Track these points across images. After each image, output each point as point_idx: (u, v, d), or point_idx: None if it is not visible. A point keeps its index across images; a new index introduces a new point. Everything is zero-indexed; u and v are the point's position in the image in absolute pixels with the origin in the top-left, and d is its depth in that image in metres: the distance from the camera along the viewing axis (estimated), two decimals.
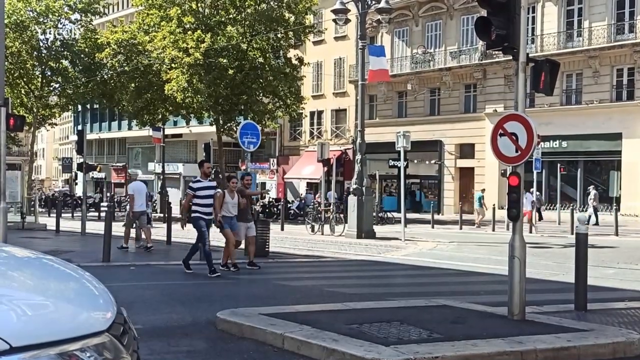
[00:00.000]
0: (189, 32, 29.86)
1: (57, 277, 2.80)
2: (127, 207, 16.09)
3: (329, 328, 5.85)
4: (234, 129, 29.97)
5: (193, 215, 10.54)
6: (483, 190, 26.48)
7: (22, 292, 2.46)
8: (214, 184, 10.99)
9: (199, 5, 31.69)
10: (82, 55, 35.17)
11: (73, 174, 42.85)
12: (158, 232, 20.50)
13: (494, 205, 25.03)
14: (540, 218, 26.37)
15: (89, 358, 2.13)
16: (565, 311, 7.38)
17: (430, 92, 35.71)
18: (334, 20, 22.10)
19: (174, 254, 14.98)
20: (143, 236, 15.33)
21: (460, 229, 23.67)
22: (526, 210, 22.03)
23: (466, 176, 33.90)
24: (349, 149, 36.87)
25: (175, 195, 42.02)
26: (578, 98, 30.12)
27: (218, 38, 30.15)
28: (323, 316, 6.46)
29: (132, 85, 34.62)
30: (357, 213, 19.28)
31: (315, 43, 38.43)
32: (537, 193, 26.14)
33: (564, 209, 26.60)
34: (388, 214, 28.31)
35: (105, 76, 35.66)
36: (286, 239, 19.27)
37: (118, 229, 18.28)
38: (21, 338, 2.02)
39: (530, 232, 21.54)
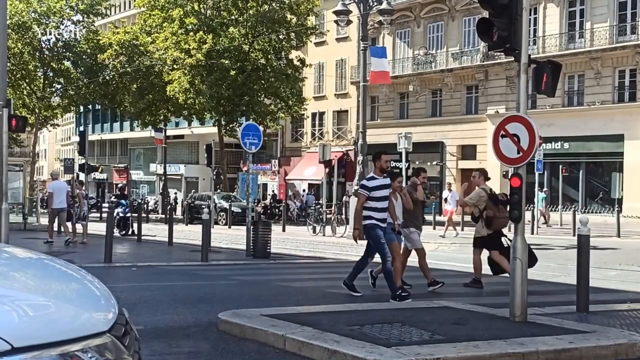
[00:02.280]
0: (191, 34, 29.92)
1: (59, 278, 2.80)
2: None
3: (331, 329, 5.84)
4: (236, 130, 30.03)
5: (365, 222, 8.42)
6: (545, 191, 26.47)
7: (24, 292, 2.46)
8: (388, 181, 8.70)
9: (201, 6, 31.75)
10: (84, 57, 35.25)
11: (75, 175, 42.84)
12: (159, 232, 20.55)
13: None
14: (545, 222, 26.32)
15: (90, 359, 2.13)
16: (567, 313, 7.37)
17: (431, 94, 35.69)
18: (336, 22, 22.13)
19: (175, 255, 15.02)
20: (74, 230, 16.90)
21: (462, 230, 23.63)
22: (448, 210, 21.33)
23: (468, 177, 33.68)
24: (350, 150, 36.85)
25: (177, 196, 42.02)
26: (580, 99, 30.09)
27: (220, 39, 30.20)
28: (324, 317, 6.46)
29: (134, 86, 34.68)
30: None
31: (317, 44, 38.46)
32: (545, 191, 26.37)
33: (565, 211, 26.56)
34: None
35: (107, 77, 35.73)
36: (288, 240, 19.27)
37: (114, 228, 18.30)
38: (23, 339, 2.02)
39: (444, 234, 20.30)
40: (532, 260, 9.22)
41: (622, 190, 28.62)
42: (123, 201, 21.00)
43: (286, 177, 41.41)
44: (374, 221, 8.39)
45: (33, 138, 38.76)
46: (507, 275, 8.76)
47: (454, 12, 34.06)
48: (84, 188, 18.44)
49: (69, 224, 16.59)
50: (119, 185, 25.05)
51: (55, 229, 16.68)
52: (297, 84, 32.73)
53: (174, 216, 23.26)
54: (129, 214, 20.82)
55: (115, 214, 19.15)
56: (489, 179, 10.27)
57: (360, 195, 8.67)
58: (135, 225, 19.65)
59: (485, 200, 9.63)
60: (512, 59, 7.02)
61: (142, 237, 18.31)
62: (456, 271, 12.29)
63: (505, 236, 9.80)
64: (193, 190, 37.52)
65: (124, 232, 20.03)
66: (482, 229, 9.75)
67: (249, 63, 30.65)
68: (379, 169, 8.61)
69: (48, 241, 15.89)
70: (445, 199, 22.14)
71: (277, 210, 31.25)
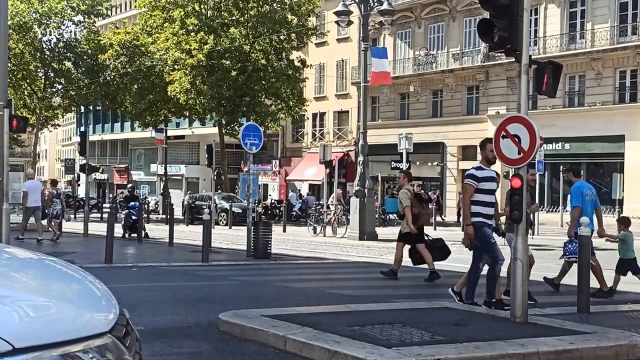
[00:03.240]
0: (192, 34, 29.93)
1: (60, 279, 2.80)
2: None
3: (331, 330, 5.84)
4: (237, 130, 30.02)
5: (472, 220, 7.52)
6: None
7: (25, 293, 2.46)
8: (494, 174, 7.79)
9: (202, 7, 31.76)
10: (85, 57, 35.28)
11: (75, 175, 42.84)
12: (160, 233, 20.55)
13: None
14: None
15: (91, 359, 2.13)
16: (567, 313, 7.37)
17: (432, 94, 35.69)
18: (337, 22, 22.15)
19: (175, 256, 15.02)
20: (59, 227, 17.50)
21: (462, 230, 23.62)
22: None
23: None
24: (351, 150, 36.87)
25: (177, 197, 42.04)
26: (581, 100, 30.08)
27: (221, 40, 30.22)
28: (325, 318, 6.46)
29: (135, 86, 34.69)
30: (359, 215, 19.28)
31: (318, 45, 38.48)
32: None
33: (566, 212, 26.54)
34: (390, 215, 28.27)
35: (108, 77, 35.75)
36: (288, 240, 19.27)
37: (121, 230, 18.35)
38: (24, 339, 2.02)
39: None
40: (445, 253, 10.62)
41: (623, 191, 28.61)
42: (133, 203, 19.49)
43: (287, 178, 41.43)
44: (481, 218, 7.46)
45: (34, 138, 38.78)
46: (426, 266, 10.38)
47: (455, 13, 34.06)
48: (57, 187, 19.42)
49: (44, 222, 17.21)
50: (128, 186, 23.46)
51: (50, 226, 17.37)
52: (298, 84, 32.74)
53: (175, 216, 23.27)
54: (134, 217, 19.26)
55: (125, 217, 19.30)
56: (413, 179, 11.12)
57: (467, 186, 7.58)
58: (146, 227, 19.68)
59: (411, 199, 10.40)
60: (513, 59, 7.02)
61: (143, 238, 18.32)
62: (457, 272, 12.27)
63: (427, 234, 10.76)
64: (189, 192, 37.49)
65: (132, 234, 19.01)
66: (407, 225, 10.43)
67: (250, 63, 30.66)
68: (485, 159, 7.64)
69: (19, 238, 16.26)
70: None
71: (277, 210, 31.25)
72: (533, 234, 19.90)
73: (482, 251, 7.55)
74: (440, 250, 10.64)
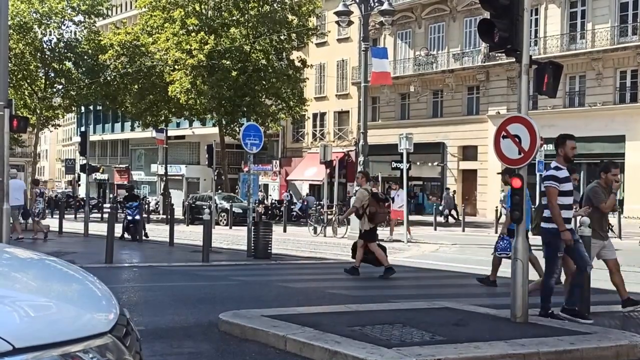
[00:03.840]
0: (193, 34, 29.94)
1: (60, 279, 2.80)
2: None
3: (332, 330, 5.84)
4: (237, 130, 30.03)
5: (550, 225, 6.91)
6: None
7: (25, 293, 2.46)
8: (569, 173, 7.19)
9: (202, 7, 31.77)
10: (85, 57, 35.27)
11: (76, 175, 42.87)
12: (161, 233, 20.55)
13: (496, 207, 24.96)
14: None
15: (91, 359, 2.13)
16: None
17: (433, 94, 35.70)
18: (337, 22, 22.12)
19: (176, 256, 15.02)
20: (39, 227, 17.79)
21: (463, 231, 23.65)
22: (396, 210, 19.64)
23: (469, 178, 33.86)
24: (351, 150, 36.86)
25: (177, 197, 42.07)
26: (581, 100, 30.08)
27: (221, 40, 30.22)
28: (325, 318, 6.46)
29: (135, 86, 34.70)
30: None
31: (318, 45, 38.49)
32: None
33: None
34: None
35: (109, 78, 35.74)
36: (289, 240, 19.27)
37: (121, 230, 18.36)
38: (24, 339, 2.02)
39: (391, 234, 19.18)
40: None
41: (624, 191, 28.60)
42: (132, 203, 18.85)
43: (287, 178, 41.44)
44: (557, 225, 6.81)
45: (34, 138, 38.74)
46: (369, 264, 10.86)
47: (455, 13, 34.07)
48: (39, 186, 19.49)
49: (21, 221, 17.67)
50: (127, 185, 22.51)
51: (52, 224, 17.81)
52: (298, 84, 32.73)
53: (175, 217, 23.26)
54: (137, 217, 18.56)
55: (124, 218, 18.90)
56: (370, 179, 11.77)
57: (551, 189, 6.91)
58: (147, 227, 19.32)
59: (368, 199, 10.87)
60: (514, 59, 7.02)
61: (143, 238, 18.33)
62: (457, 272, 12.28)
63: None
64: (191, 195, 37.53)
65: (127, 236, 18.53)
66: (366, 224, 10.89)
67: (250, 64, 30.66)
68: (563, 157, 7.05)
69: (19, 238, 16.45)
70: (392, 199, 20.54)
71: (278, 211, 31.25)
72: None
73: (546, 253, 7.11)
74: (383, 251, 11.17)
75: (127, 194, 20.48)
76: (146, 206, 32.89)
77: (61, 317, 2.27)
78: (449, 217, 30.17)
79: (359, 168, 20.17)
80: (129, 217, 18.45)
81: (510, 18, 6.65)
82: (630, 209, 27.01)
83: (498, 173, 13.00)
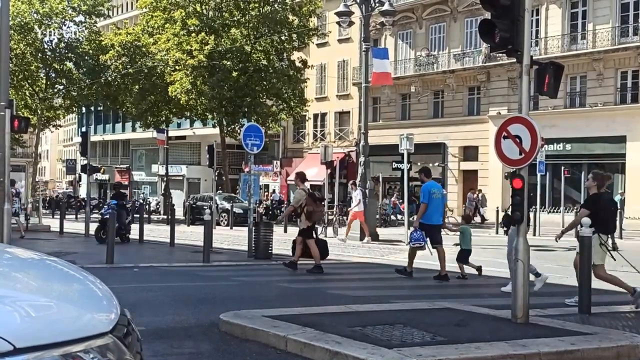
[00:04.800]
0: (193, 35, 29.95)
1: (61, 279, 2.80)
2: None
3: (332, 330, 5.84)
4: (238, 131, 30.04)
5: None
6: (622, 193, 26.46)
7: (26, 293, 2.46)
8: None
9: (203, 7, 31.79)
10: (86, 57, 35.30)
11: (77, 175, 42.90)
12: (161, 233, 20.56)
13: (497, 208, 24.99)
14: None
15: (92, 359, 2.13)
16: (569, 314, 7.36)
17: (433, 95, 35.68)
18: (338, 23, 22.14)
19: (176, 256, 15.03)
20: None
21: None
22: (356, 211, 19.04)
23: (470, 179, 33.83)
24: (352, 151, 36.85)
25: (178, 197, 42.06)
26: (582, 101, 30.06)
27: (222, 40, 30.24)
28: (326, 318, 6.46)
29: (136, 87, 34.72)
30: None
31: (319, 45, 38.47)
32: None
33: (567, 212, 26.53)
34: (392, 216, 28.28)
35: (110, 78, 35.77)
36: (289, 241, 19.21)
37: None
38: (25, 339, 2.02)
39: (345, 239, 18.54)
40: (326, 253, 11.88)
41: (625, 192, 28.57)
42: (112, 201, 17.65)
43: (288, 178, 41.41)
44: None
45: (35, 139, 38.80)
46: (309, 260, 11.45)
47: (456, 14, 34.05)
48: (15, 186, 19.24)
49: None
50: (115, 183, 21.16)
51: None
52: (299, 85, 32.74)
53: (176, 217, 23.23)
54: (108, 216, 16.91)
55: (105, 216, 16.92)
56: (306, 180, 12.53)
57: None
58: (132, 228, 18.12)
59: (306, 198, 11.47)
60: (514, 60, 7.02)
61: (144, 238, 18.33)
62: (458, 272, 12.26)
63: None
64: (186, 194, 37.55)
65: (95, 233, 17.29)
66: (304, 222, 11.56)
67: (251, 64, 30.67)
68: None
69: (22, 237, 16.91)
70: (350, 198, 19.95)
71: (278, 211, 31.25)
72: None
73: None
74: (323, 249, 11.92)
75: (114, 191, 19.78)
76: (147, 206, 32.92)
77: (62, 317, 2.27)
78: (480, 217, 30.23)
79: (360, 169, 20.18)
80: (105, 216, 17.18)
81: (511, 18, 6.65)
82: (631, 210, 26.98)
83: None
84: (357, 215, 18.99)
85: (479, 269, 11.18)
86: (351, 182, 21.86)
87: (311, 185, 39.21)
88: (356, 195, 19.21)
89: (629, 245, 18.01)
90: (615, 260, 8.10)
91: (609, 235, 8.35)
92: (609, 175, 10.30)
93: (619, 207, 25.92)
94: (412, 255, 10.92)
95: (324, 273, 11.42)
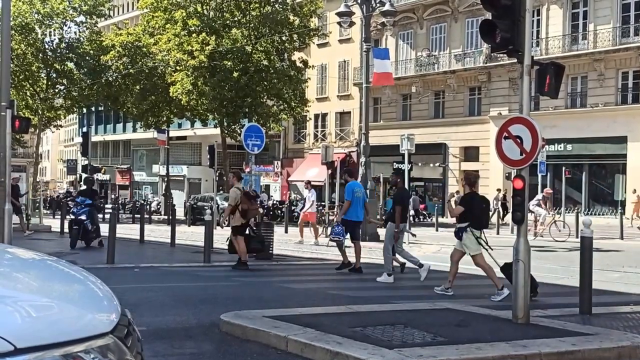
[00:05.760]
0: (194, 35, 29.96)
1: (62, 279, 2.80)
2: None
3: (333, 331, 5.84)
4: (238, 131, 30.05)
5: None
6: (634, 191, 26.45)
7: (27, 293, 2.46)
8: None
9: (204, 8, 31.80)
10: (87, 58, 35.32)
11: (78, 175, 42.92)
12: (162, 234, 20.56)
13: (498, 208, 24.97)
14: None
15: (93, 359, 2.14)
16: (569, 315, 7.35)
17: (434, 95, 35.69)
18: (339, 23, 22.12)
19: (177, 256, 15.02)
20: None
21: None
22: (309, 212, 18.94)
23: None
24: (353, 151, 36.86)
25: (179, 197, 42.08)
26: (583, 101, 30.06)
27: (223, 41, 30.24)
28: (327, 319, 6.46)
29: (137, 87, 34.74)
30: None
31: (320, 46, 38.48)
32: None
33: (568, 213, 26.53)
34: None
35: (110, 78, 35.80)
36: (290, 241, 19.24)
37: (122, 231, 18.36)
38: (25, 339, 2.02)
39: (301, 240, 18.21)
40: (263, 247, 12.42)
41: (625, 192, 28.57)
42: (84, 199, 15.27)
43: (288, 179, 41.42)
44: None
45: (36, 139, 38.83)
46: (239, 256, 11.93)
47: (457, 14, 34.06)
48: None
49: None
50: (86, 177, 18.06)
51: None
52: (300, 85, 32.73)
53: (177, 217, 23.24)
54: (84, 218, 14.86)
55: (72, 217, 15.50)
56: (242, 178, 12.93)
57: None
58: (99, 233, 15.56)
59: (240, 197, 11.82)
60: (515, 60, 7.02)
61: (145, 239, 18.33)
62: (459, 273, 12.24)
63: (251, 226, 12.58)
64: (186, 195, 37.48)
65: (71, 239, 15.05)
66: (238, 219, 11.96)
67: (252, 64, 30.67)
68: None
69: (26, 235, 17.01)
70: (304, 200, 19.69)
71: (279, 211, 31.24)
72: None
73: None
74: (262, 243, 12.66)
75: (84, 187, 16.73)
76: (147, 207, 32.91)
77: (63, 317, 2.27)
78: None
79: (361, 169, 20.17)
80: (71, 215, 15.32)
81: (512, 19, 6.64)
82: (632, 210, 26.98)
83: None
84: (309, 217, 18.90)
85: (402, 265, 11.94)
86: (305, 181, 21.87)
87: (312, 186, 39.41)
88: (309, 196, 19.16)
89: (629, 246, 18.01)
90: (491, 250, 8.96)
91: (482, 230, 9.07)
92: (478, 175, 11.58)
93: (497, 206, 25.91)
94: (342, 250, 11.70)
95: (249, 269, 11.85)
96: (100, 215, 19.45)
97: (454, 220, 9.53)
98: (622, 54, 28.53)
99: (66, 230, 17.97)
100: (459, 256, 9.17)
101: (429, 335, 5.83)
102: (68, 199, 19.61)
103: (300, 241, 18.32)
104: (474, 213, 8.80)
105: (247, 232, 12.40)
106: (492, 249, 8.98)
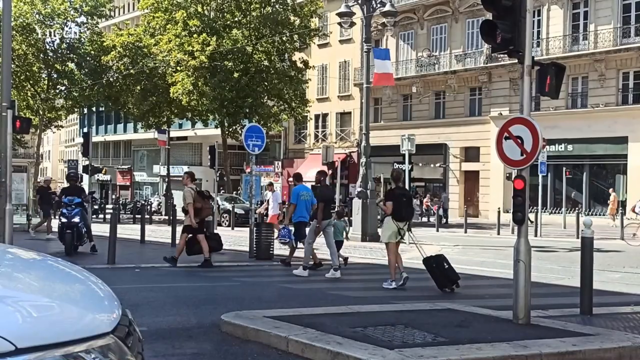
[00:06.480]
0: (195, 35, 29.96)
1: (63, 279, 2.81)
2: None
3: (333, 331, 5.84)
4: (239, 131, 30.06)
5: None
6: (612, 191, 26.38)
7: (28, 293, 2.46)
8: None
9: (204, 8, 31.80)
10: (88, 58, 35.35)
11: (78, 176, 42.89)
12: (163, 234, 20.55)
13: (498, 208, 24.97)
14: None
15: (93, 359, 2.14)
16: (570, 315, 7.35)
17: (435, 96, 35.69)
18: (339, 24, 22.11)
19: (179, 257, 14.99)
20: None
21: (465, 232, 23.61)
22: (273, 214, 18.62)
23: (471, 179, 33.84)
24: (353, 152, 36.86)
25: (179, 198, 42.04)
26: (584, 101, 30.05)
27: (223, 41, 30.24)
28: (327, 319, 6.46)
29: (138, 88, 34.76)
30: (361, 216, 19.26)
31: (321, 46, 38.49)
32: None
33: (569, 213, 26.52)
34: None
35: (111, 79, 35.82)
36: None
37: (123, 231, 18.36)
38: (26, 339, 2.03)
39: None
40: (220, 245, 12.70)
41: (626, 192, 28.55)
42: (73, 199, 13.67)
43: (289, 179, 41.41)
44: None
45: (37, 139, 38.86)
46: (202, 255, 12.13)
47: (458, 14, 34.06)
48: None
49: None
50: (71, 174, 16.03)
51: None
52: (300, 85, 32.72)
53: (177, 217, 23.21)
54: (77, 220, 13.45)
55: (58, 220, 13.97)
56: (195, 179, 13.09)
57: None
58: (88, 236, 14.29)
59: (194, 196, 12.03)
60: (516, 61, 7.02)
61: (145, 239, 18.33)
62: (460, 273, 12.24)
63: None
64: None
65: (65, 247, 13.42)
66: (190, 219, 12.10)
67: (252, 65, 30.68)
68: None
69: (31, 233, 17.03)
70: (268, 202, 19.27)
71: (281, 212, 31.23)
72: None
73: None
74: (218, 242, 12.72)
75: (67, 185, 14.91)
76: (148, 207, 32.90)
77: (63, 317, 2.27)
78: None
79: (361, 169, 20.19)
80: (63, 219, 13.53)
81: (512, 19, 6.65)
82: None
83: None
84: (273, 219, 18.49)
85: (345, 259, 12.79)
86: (267, 183, 21.60)
87: (312, 186, 39.43)
88: (273, 197, 19.04)
89: (630, 247, 18.01)
90: (406, 243, 10.23)
91: (406, 222, 9.92)
92: (402, 171, 12.59)
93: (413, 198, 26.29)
94: (292, 250, 12.80)
95: (213, 267, 12.05)
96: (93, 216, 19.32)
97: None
98: (622, 54, 28.52)
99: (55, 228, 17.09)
100: (394, 247, 9.90)
101: (430, 335, 5.82)
102: (54, 200, 17.46)
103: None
104: (394, 206, 9.70)
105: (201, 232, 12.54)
106: (416, 243, 10.25)
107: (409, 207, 10.11)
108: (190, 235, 12.22)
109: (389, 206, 9.71)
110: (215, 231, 13.59)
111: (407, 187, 19.97)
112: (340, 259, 12.21)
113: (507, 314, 6.81)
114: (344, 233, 13.96)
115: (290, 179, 40.86)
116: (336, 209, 15.47)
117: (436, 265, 9.69)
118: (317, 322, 6.21)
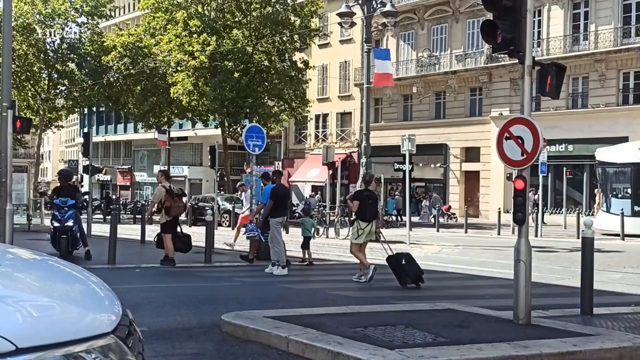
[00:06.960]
0: (195, 36, 29.97)
1: (63, 279, 2.81)
2: None
3: (334, 331, 5.84)
4: (239, 132, 30.07)
5: None
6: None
7: (28, 293, 2.46)
8: None
9: (204, 8, 31.82)
10: (88, 58, 35.37)
11: (79, 176, 42.95)
12: None
13: (499, 208, 24.95)
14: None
15: (94, 359, 2.14)
16: (571, 315, 7.34)
17: (435, 96, 35.68)
18: (340, 24, 22.12)
19: (178, 256, 14.99)
20: None
21: (466, 232, 23.61)
22: (245, 215, 17.07)
23: (471, 180, 33.83)
24: (354, 152, 36.85)
25: None
26: (584, 102, 30.04)
27: (224, 41, 30.25)
28: (328, 319, 6.45)
29: (138, 88, 34.77)
30: None
31: (321, 46, 38.49)
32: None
33: (569, 213, 26.52)
34: (393, 217, 28.27)
35: (112, 79, 35.83)
36: (291, 242, 19.22)
37: (123, 231, 18.36)
38: (27, 339, 2.03)
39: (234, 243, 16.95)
40: (188, 247, 12.79)
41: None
42: (66, 200, 12.44)
43: (290, 179, 41.41)
44: None
45: (37, 139, 38.87)
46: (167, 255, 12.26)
47: (458, 14, 34.05)
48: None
49: None
50: (64, 171, 14.58)
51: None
52: (301, 85, 32.73)
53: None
54: (71, 224, 12.35)
55: (51, 225, 12.87)
56: (170, 177, 13.32)
57: None
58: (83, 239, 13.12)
59: (165, 195, 12.18)
60: (516, 61, 7.02)
61: (146, 239, 18.32)
62: (459, 273, 12.27)
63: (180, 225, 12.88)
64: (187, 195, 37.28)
65: (60, 252, 11.92)
66: (164, 217, 12.30)
67: (253, 65, 30.68)
68: None
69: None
70: (242, 202, 18.68)
71: None
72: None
73: None
74: (185, 244, 12.76)
75: (59, 185, 13.40)
76: (142, 206, 32.88)
77: (64, 317, 2.27)
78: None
79: (361, 169, 20.18)
80: (55, 224, 12.42)
81: (513, 19, 6.64)
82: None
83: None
84: (244, 219, 17.20)
85: (310, 262, 13.45)
86: (239, 184, 20.03)
87: (312, 186, 39.44)
88: (246, 197, 17.51)
89: (631, 247, 18.00)
90: (385, 243, 10.80)
91: (372, 223, 10.53)
92: (373, 175, 13.85)
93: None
94: (254, 244, 13.30)
95: (175, 266, 12.19)
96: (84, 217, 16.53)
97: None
98: (623, 54, 28.51)
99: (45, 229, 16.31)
100: (358, 246, 10.66)
101: (430, 335, 5.82)
102: (45, 200, 15.65)
103: (231, 245, 16.95)
104: (360, 206, 10.42)
105: (177, 230, 12.77)
106: (385, 242, 10.90)
107: (373, 209, 10.71)
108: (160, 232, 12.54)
109: (356, 204, 10.45)
110: (188, 232, 13.67)
111: (406, 187, 20.06)
112: (306, 256, 13.27)
113: (508, 314, 6.80)
114: (312, 230, 14.52)
115: (291, 178, 40.94)
116: (302, 208, 15.91)
117: (395, 262, 10.25)
118: (318, 322, 6.21)
